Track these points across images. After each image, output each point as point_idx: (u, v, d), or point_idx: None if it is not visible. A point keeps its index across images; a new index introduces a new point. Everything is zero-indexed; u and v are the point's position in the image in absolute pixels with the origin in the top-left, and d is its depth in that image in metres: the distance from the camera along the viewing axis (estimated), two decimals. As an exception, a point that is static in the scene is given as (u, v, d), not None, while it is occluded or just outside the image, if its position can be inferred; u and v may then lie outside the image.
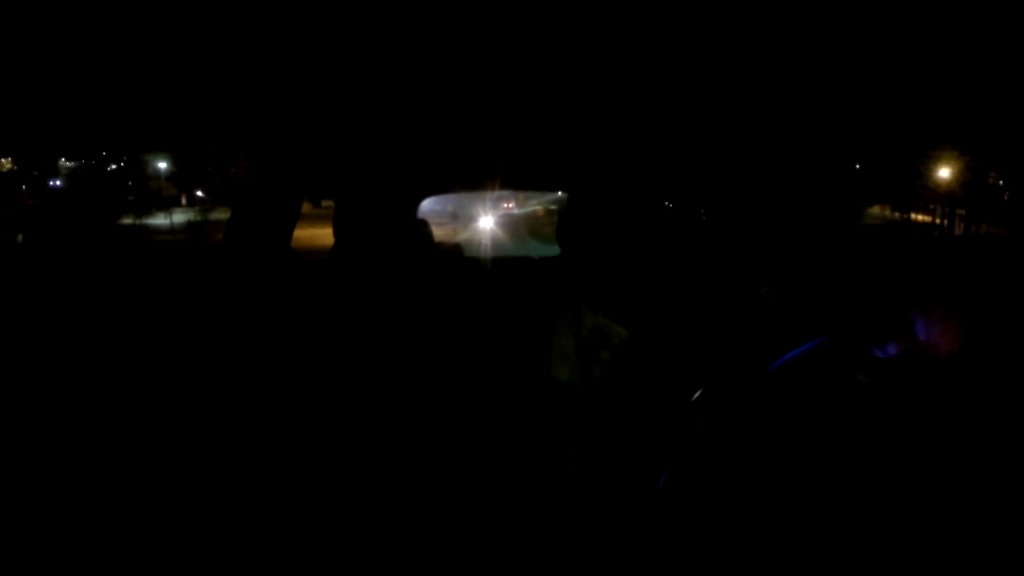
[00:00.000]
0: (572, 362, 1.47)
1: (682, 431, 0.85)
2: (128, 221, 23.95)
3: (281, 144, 2.24)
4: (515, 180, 2.75)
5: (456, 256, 2.52)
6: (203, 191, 29.10)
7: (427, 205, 2.64)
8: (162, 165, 27.20)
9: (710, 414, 0.84)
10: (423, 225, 2.40)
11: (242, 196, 2.33)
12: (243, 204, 2.28)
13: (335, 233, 2.15)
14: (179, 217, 27.25)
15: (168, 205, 27.35)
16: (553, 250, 2.15)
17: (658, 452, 0.85)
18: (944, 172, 25.45)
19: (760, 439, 1.01)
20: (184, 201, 30.05)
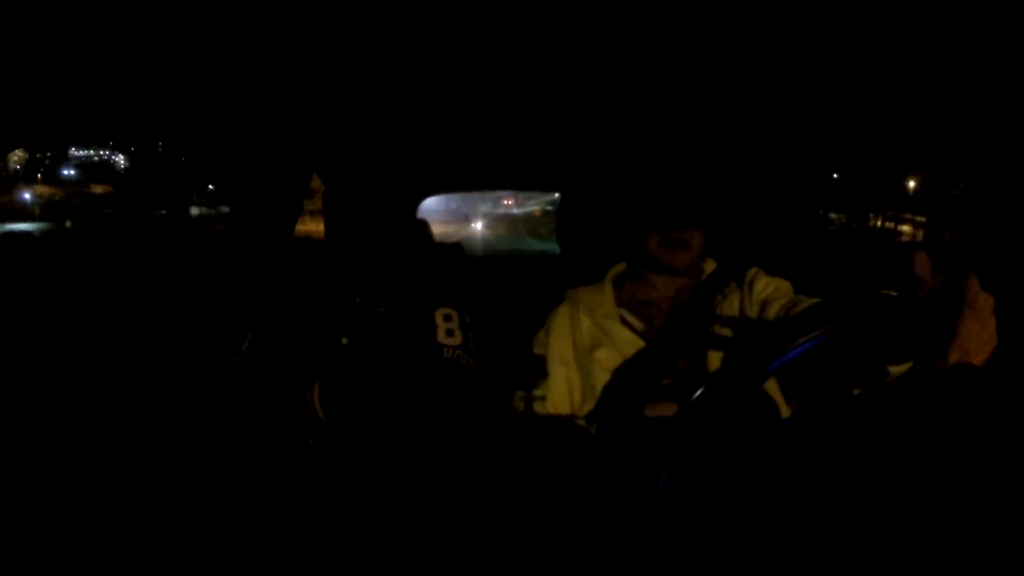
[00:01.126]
0: (570, 366, 1.40)
1: (682, 432, 0.78)
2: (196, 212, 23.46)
3: (281, 140, 2.16)
4: (514, 180, 2.68)
5: (456, 255, 2.44)
6: (213, 185, 28.52)
7: (430, 204, 2.56)
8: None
9: (710, 414, 0.78)
10: (423, 226, 2.31)
11: (243, 191, 2.25)
12: (244, 199, 2.21)
13: (327, 232, 1.97)
14: (193, 210, 26.81)
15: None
16: (549, 248, 2.09)
17: (658, 453, 0.78)
18: (912, 182, 25.42)
19: (761, 440, 0.95)
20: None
